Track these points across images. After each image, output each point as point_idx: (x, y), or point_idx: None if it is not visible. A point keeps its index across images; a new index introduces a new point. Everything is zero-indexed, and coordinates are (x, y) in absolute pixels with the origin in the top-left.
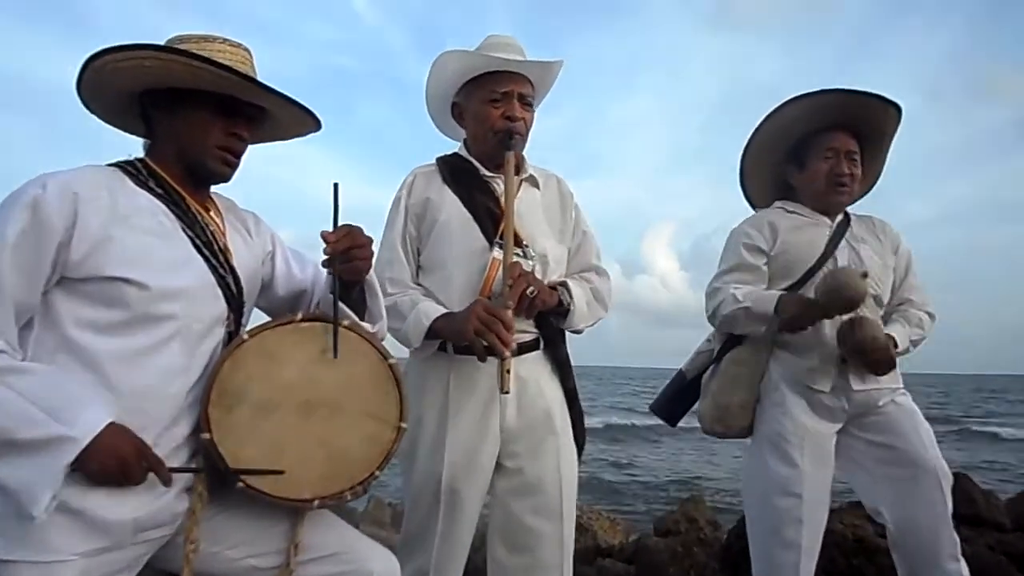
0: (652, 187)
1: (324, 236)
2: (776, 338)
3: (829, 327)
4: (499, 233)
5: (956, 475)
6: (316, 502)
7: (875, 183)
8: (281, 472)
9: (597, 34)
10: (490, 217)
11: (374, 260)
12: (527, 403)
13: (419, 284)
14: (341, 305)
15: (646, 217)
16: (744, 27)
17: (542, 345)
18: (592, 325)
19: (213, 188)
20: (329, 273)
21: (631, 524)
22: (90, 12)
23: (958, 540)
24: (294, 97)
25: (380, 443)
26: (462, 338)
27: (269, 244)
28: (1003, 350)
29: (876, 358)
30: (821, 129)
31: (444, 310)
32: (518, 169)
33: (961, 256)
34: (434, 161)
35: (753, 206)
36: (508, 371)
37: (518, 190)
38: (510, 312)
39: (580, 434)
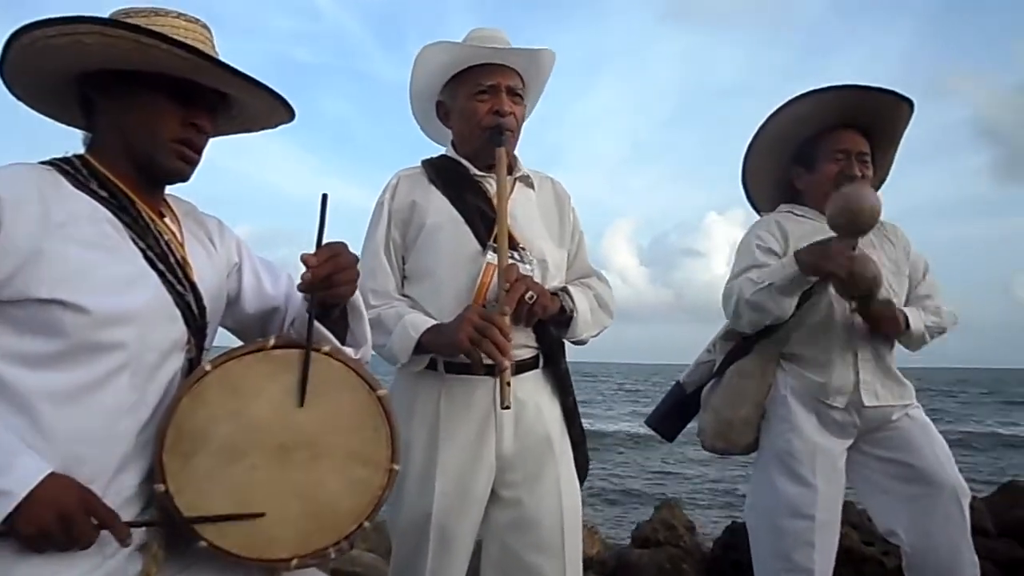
0: (613, 183)
1: (305, 260)
2: (785, 350)
3: (839, 338)
4: (492, 236)
5: None
6: (295, 561)
7: (883, 182)
8: (252, 516)
9: (558, 27)
10: (483, 219)
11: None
12: (525, 427)
13: (405, 295)
14: (321, 329)
15: (606, 213)
16: (703, 22)
17: (542, 363)
18: (597, 335)
19: (168, 189)
20: (305, 298)
21: (607, 533)
22: None
23: (977, 561)
24: (264, 82)
25: (369, 490)
26: (455, 350)
27: (235, 254)
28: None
29: (869, 295)
30: (830, 128)
31: (433, 322)
32: (511, 168)
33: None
34: (419, 163)
35: (757, 210)
36: (508, 383)
37: (512, 190)
38: (508, 318)
39: (582, 456)
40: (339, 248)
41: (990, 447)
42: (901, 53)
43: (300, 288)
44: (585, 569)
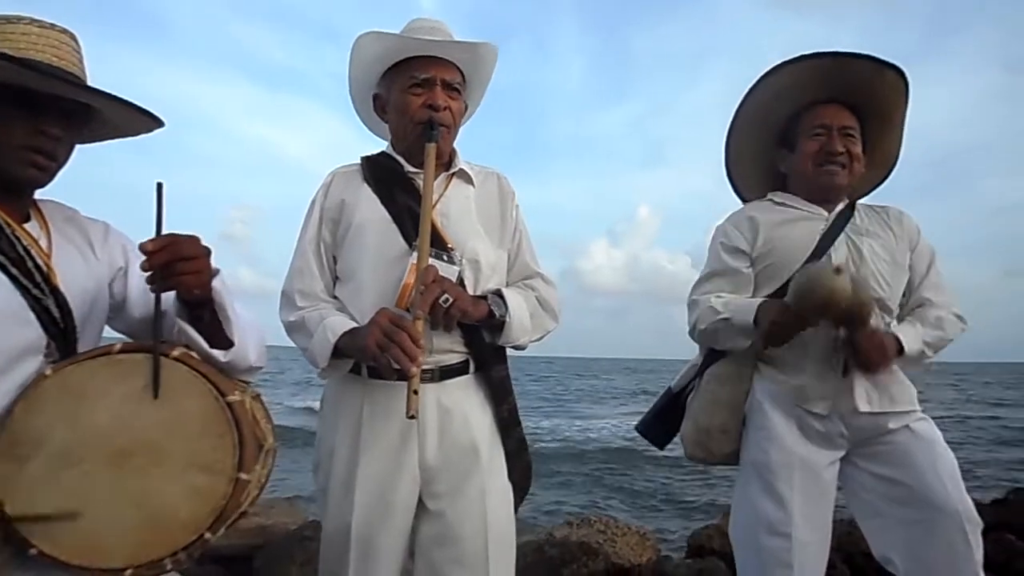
0: (721, 176)
1: (141, 247)
2: (760, 351)
3: (820, 336)
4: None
5: (1021, 489)
6: (128, 572)
7: (892, 168)
8: (68, 518)
9: (663, 18)
10: (412, 218)
11: (289, 270)
12: (450, 436)
13: (336, 297)
14: (187, 330)
15: (715, 208)
16: (815, 7)
17: (472, 368)
18: (539, 339)
19: (45, 196)
20: (152, 290)
21: (661, 540)
22: None
23: None
24: (115, 94)
25: (210, 499)
26: (364, 355)
27: (120, 259)
28: None
29: (855, 323)
30: (810, 104)
31: (352, 325)
32: (448, 164)
33: None
34: (358, 160)
35: (744, 200)
36: (416, 392)
37: (447, 187)
38: (420, 323)
39: (520, 469)
40: (177, 238)
41: None
42: None
43: (148, 281)
44: None
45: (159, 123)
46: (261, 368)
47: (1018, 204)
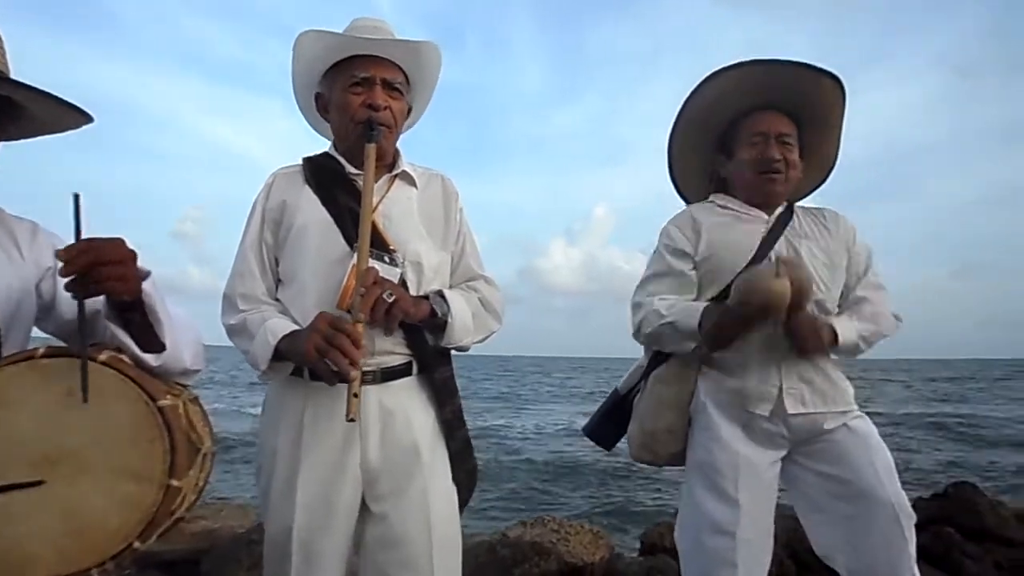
0: None
1: (57, 255)
2: (703, 353)
3: (761, 339)
4: None
5: (960, 484)
6: None
7: (830, 172)
8: None
9: (616, 16)
10: (354, 219)
11: (231, 273)
12: (392, 437)
13: (279, 299)
14: (119, 334)
15: (671, 208)
16: (764, 6)
17: (416, 370)
18: (482, 340)
19: None
20: (73, 297)
21: (617, 539)
22: None
23: None
24: (38, 87)
25: (139, 507)
26: (303, 359)
27: (49, 259)
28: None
29: (793, 310)
30: (748, 110)
31: (294, 327)
32: (391, 165)
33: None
34: (300, 161)
35: (688, 202)
36: (356, 395)
37: (389, 188)
38: (361, 326)
39: (465, 470)
40: (96, 243)
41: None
42: (984, 32)
43: (67, 287)
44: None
45: (88, 118)
46: (199, 371)
47: (964, 204)
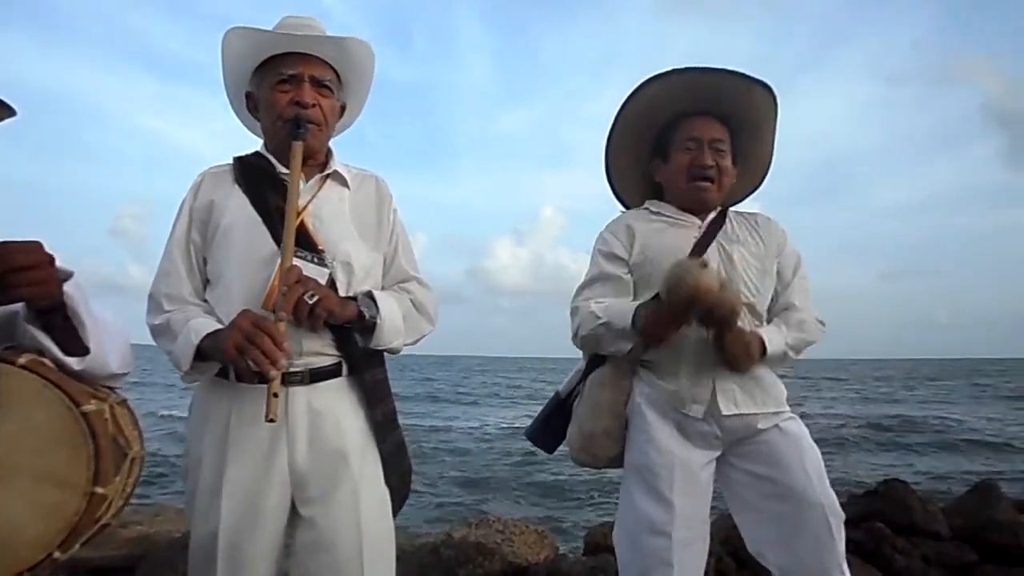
0: None
1: None
2: (640, 357)
3: (694, 341)
4: None
5: (891, 481)
6: None
7: (763, 179)
8: None
9: (565, 23)
10: (283, 219)
11: (157, 273)
12: (321, 440)
13: (206, 300)
14: (39, 337)
15: (618, 209)
16: (706, 14)
17: (346, 371)
18: (414, 343)
19: None
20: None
21: (562, 538)
22: None
23: None
24: None
25: (62, 516)
26: (224, 357)
27: None
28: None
29: (723, 327)
30: (683, 116)
31: (218, 327)
32: (323, 165)
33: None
34: (231, 160)
35: (626, 206)
36: (275, 395)
37: (320, 188)
38: (283, 325)
39: (397, 473)
40: (9, 248)
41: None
42: (913, 41)
43: None
44: None
45: (10, 111)
46: (126, 374)
47: (895, 208)
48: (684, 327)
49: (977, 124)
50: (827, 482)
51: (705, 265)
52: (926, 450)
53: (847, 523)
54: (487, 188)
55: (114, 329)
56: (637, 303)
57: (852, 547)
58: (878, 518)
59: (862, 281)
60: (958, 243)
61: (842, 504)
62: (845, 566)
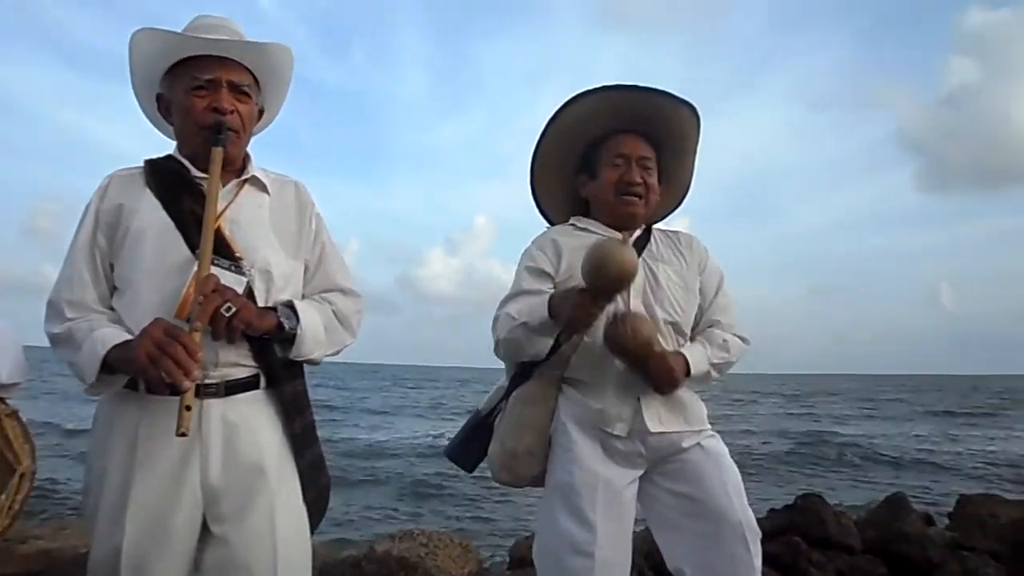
0: None
1: None
2: (564, 374)
3: (619, 360)
4: None
5: (807, 495)
6: None
7: (684, 197)
8: None
9: (502, 36)
10: (198, 225)
11: (58, 278)
12: (235, 454)
13: (112, 308)
14: None
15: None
16: (636, 30)
17: (264, 383)
18: (334, 354)
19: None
20: None
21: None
22: None
23: None
24: None
25: None
26: (134, 368)
27: None
28: (887, 352)
29: (643, 358)
30: (610, 133)
31: (127, 337)
32: (241, 170)
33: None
34: (141, 163)
35: (551, 223)
36: (188, 408)
37: (238, 194)
38: (198, 335)
39: (315, 489)
40: None
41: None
42: (831, 68)
43: None
44: None
45: None
46: (18, 384)
47: (818, 229)
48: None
49: (892, 149)
50: (745, 499)
51: (626, 241)
52: (842, 465)
53: (765, 536)
54: (421, 197)
55: (5, 339)
56: (551, 293)
57: (770, 560)
58: (795, 532)
59: (792, 297)
60: (874, 263)
61: (761, 518)
62: None
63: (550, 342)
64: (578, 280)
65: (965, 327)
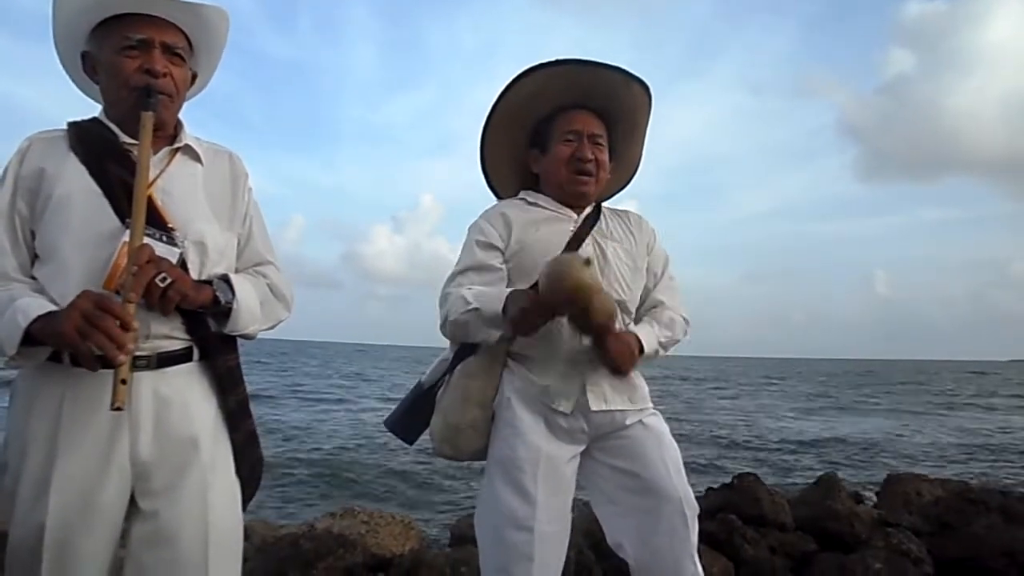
0: None
1: None
2: (510, 349)
3: (567, 336)
4: None
5: (743, 475)
6: None
7: (634, 174)
8: None
9: (456, 9)
10: (127, 193)
11: None
12: (167, 428)
13: (34, 277)
14: None
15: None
16: (590, 10)
17: (197, 356)
18: (270, 328)
19: None
20: None
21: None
22: None
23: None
24: None
25: None
26: (62, 341)
27: None
28: (822, 337)
29: (602, 334)
30: (562, 109)
31: (51, 308)
32: (173, 138)
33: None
34: (64, 125)
35: (499, 197)
36: (124, 381)
37: (169, 162)
38: (132, 307)
39: (249, 464)
40: None
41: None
42: (773, 58)
43: None
44: (382, 569)
45: None
46: None
47: (758, 214)
48: (556, 319)
49: (831, 137)
50: (684, 476)
51: (588, 263)
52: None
53: (702, 514)
54: (367, 173)
55: None
56: (509, 290)
57: (705, 537)
58: (731, 510)
59: (728, 282)
60: (811, 249)
61: (698, 497)
62: (697, 556)
63: (498, 333)
64: (528, 256)
65: (898, 313)
